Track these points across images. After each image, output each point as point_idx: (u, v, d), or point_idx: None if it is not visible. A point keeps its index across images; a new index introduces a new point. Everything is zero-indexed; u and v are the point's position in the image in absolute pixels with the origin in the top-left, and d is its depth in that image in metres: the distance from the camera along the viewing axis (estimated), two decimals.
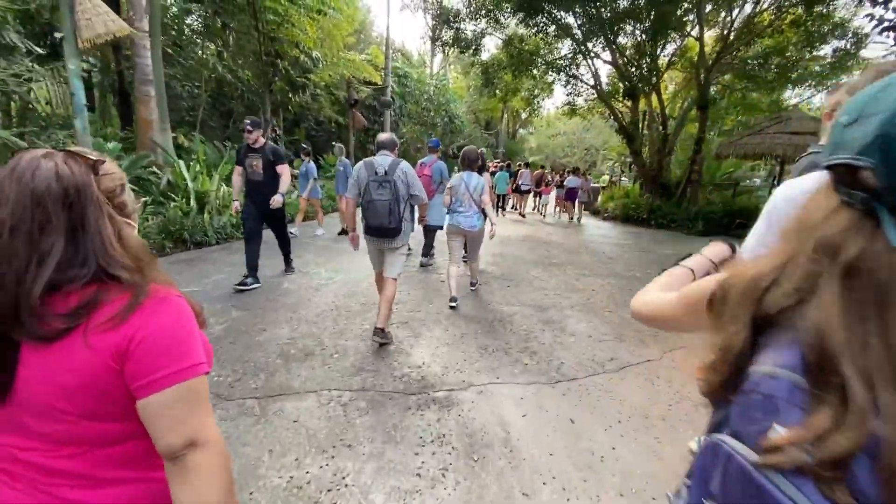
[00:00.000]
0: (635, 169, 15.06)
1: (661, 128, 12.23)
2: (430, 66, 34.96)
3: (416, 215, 4.03)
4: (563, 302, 4.77)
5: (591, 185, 19.05)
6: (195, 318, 0.79)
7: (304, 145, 8.72)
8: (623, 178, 17.25)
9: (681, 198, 12.21)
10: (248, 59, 13.99)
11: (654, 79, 12.21)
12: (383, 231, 3.29)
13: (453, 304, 4.41)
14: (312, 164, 7.81)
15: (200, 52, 13.77)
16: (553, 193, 15.06)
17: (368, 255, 3.65)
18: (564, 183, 13.19)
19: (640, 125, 12.73)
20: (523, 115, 49.95)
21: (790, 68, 11.79)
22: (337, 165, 7.91)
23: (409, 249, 6.48)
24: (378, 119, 19.32)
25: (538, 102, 44.87)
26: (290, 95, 14.15)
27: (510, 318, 4.24)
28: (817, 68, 11.94)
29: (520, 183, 13.47)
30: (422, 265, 6.15)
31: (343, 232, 6.41)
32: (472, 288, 5.10)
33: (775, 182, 10.83)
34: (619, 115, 13.09)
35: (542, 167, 18.42)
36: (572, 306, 4.64)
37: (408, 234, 3.54)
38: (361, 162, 3.36)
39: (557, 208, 14.02)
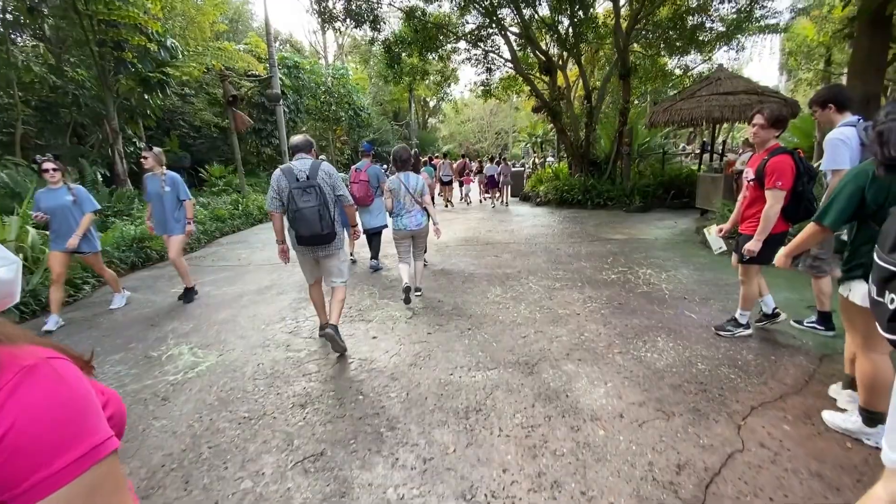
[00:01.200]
0: (562, 148, 14.34)
1: (585, 101, 11.45)
2: (325, 56, 32.15)
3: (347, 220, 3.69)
4: (551, 347, 3.36)
5: (514, 169, 18.35)
6: (82, 377, 0.58)
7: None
8: (549, 159, 16.62)
9: (612, 173, 11.60)
10: (77, 53, 10.80)
11: (573, 50, 11.33)
12: (318, 239, 3.14)
13: (408, 295, 4.33)
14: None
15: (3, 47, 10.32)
16: (474, 183, 15.54)
17: (301, 268, 3.47)
18: (483, 171, 13.61)
19: (562, 101, 11.84)
20: (431, 104, 48.87)
21: (694, 31, 11.61)
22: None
23: (351, 256, 6.49)
24: (270, 118, 16.70)
25: (446, 87, 44.10)
26: (146, 97, 11.22)
27: (487, 406, 2.71)
28: (721, 28, 11.81)
29: (441, 175, 13.43)
30: (373, 269, 6.00)
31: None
32: (418, 294, 4.69)
33: (708, 147, 10.48)
34: (540, 92, 12.10)
35: (463, 156, 17.37)
36: (568, 354, 3.24)
37: (343, 238, 3.46)
38: (279, 169, 3.16)
39: (483, 196, 13.85)
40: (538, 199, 12.61)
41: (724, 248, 3.72)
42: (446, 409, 2.59)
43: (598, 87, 12.15)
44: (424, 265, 5.41)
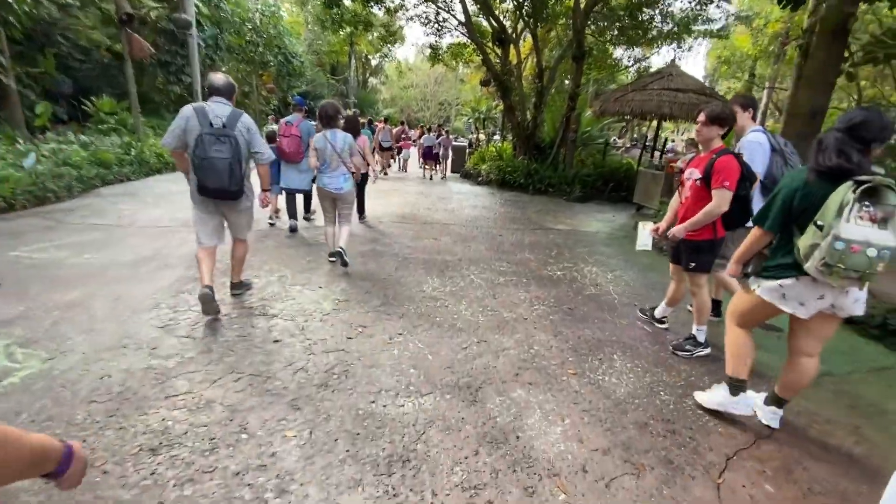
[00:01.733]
0: (508, 127, 13.86)
1: (536, 80, 10.93)
2: None
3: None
4: (497, 364, 2.81)
5: (455, 143, 17.67)
6: None
7: None
8: (496, 137, 16.06)
9: (555, 159, 11.36)
10: None
11: (530, 21, 10.69)
12: (225, 194, 2.94)
13: (333, 259, 4.40)
14: None
15: None
16: (413, 149, 14.97)
17: (195, 223, 3.13)
18: (421, 141, 13.05)
19: (512, 77, 11.23)
20: (374, 62, 46.02)
21: (646, 24, 11.55)
22: None
23: (270, 220, 6.12)
24: (181, 50, 14.23)
25: (390, 45, 41.63)
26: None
27: (418, 454, 2.09)
28: (669, 26, 11.90)
29: (381, 140, 12.61)
30: (291, 230, 5.72)
31: None
32: (342, 261, 4.30)
33: (645, 143, 10.55)
34: (492, 63, 11.37)
35: (402, 123, 16.34)
36: (517, 374, 2.71)
37: (252, 193, 3.24)
38: (190, 107, 2.86)
39: (422, 167, 13.40)
40: (480, 178, 12.08)
41: (650, 247, 3.54)
42: (362, 460, 1.92)
43: (550, 68, 11.71)
44: (363, 222, 6.11)
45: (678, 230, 2.92)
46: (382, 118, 17.10)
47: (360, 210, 6.73)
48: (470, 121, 42.86)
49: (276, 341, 2.89)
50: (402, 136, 14.43)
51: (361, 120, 14.16)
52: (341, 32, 13.19)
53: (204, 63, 16.31)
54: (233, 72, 19.24)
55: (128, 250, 4.54)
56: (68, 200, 6.86)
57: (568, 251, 5.70)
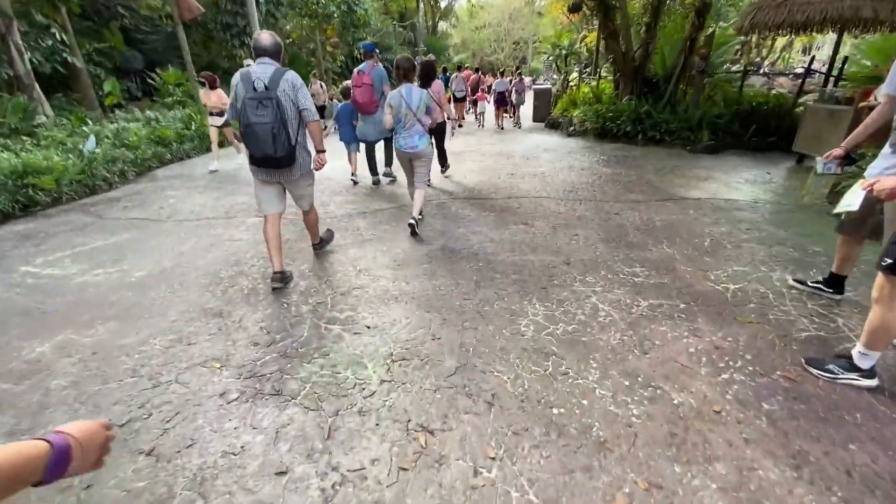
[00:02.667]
0: (603, 62, 11.29)
1: None
2: None
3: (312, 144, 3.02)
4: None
5: (537, 86, 15.24)
6: None
7: None
8: (585, 75, 13.44)
9: (672, 97, 8.85)
10: None
11: None
12: (271, 162, 2.76)
13: (413, 223, 3.95)
14: None
15: None
16: (489, 101, 13.26)
17: (255, 192, 3.04)
18: (492, 87, 11.85)
19: None
20: (443, 4, 42.75)
21: None
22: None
23: (353, 176, 6.07)
24: (241, 10, 13.39)
25: None
26: None
27: None
28: None
29: (454, 90, 11.55)
30: (375, 184, 5.85)
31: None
32: (414, 221, 3.95)
33: (829, 70, 7.67)
34: None
35: (478, 69, 14.42)
36: None
37: (308, 162, 3.04)
38: (238, 73, 2.71)
39: (495, 116, 12.08)
40: (572, 128, 9.95)
41: (856, 206, 2.00)
42: None
43: None
44: (445, 173, 6.15)
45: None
46: (455, 65, 15.20)
47: (443, 161, 6.40)
48: (550, 59, 38.54)
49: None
50: (479, 86, 12.77)
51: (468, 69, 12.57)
52: None
53: (266, 21, 15.46)
54: (297, 29, 18.30)
55: (148, 258, 3.68)
56: (120, 187, 6.36)
57: (728, 241, 3.84)
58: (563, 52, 36.55)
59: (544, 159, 7.62)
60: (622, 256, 3.52)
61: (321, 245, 3.64)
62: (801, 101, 7.78)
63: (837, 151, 2.51)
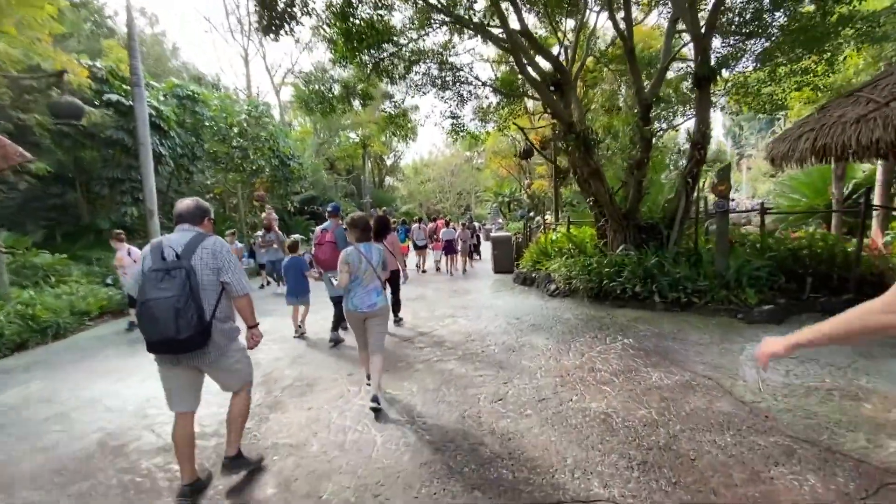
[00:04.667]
0: (568, 205, 9.62)
1: (638, 122, 6.75)
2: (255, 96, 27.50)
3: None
4: None
5: (495, 233, 13.68)
6: None
7: None
8: (546, 217, 12.10)
9: (677, 243, 6.79)
10: None
11: (623, 34, 6.84)
12: (174, 346, 2.19)
13: (375, 405, 3.31)
14: None
15: None
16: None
17: (164, 386, 2.40)
18: (440, 236, 11.73)
19: (589, 128, 7.12)
20: (389, 161, 45.16)
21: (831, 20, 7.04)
22: None
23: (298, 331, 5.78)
24: (134, 161, 11.08)
25: (404, 143, 40.31)
26: None
27: None
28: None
29: (415, 239, 12.23)
30: (332, 342, 5.26)
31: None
32: (374, 405, 3.33)
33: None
34: (562, 112, 7.32)
35: (442, 217, 15.12)
36: None
37: (230, 339, 2.46)
38: (149, 244, 2.39)
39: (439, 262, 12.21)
40: (554, 288, 7.49)
41: None
42: None
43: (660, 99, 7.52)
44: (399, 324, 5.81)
45: None
46: (400, 214, 14.77)
47: (396, 310, 6.18)
48: (494, 205, 39.93)
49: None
50: (435, 234, 12.68)
51: (393, 220, 11.39)
52: (334, 110, 9.74)
53: (178, 175, 13.33)
54: (220, 184, 16.43)
55: None
56: None
57: None
58: (506, 199, 37.94)
59: (527, 342, 4.79)
60: None
61: (238, 464, 2.58)
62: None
63: None
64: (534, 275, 8.57)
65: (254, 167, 15.74)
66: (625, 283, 6.37)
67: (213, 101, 15.16)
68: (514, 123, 11.27)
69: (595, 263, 6.97)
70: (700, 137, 6.34)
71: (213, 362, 2.40)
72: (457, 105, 9.98)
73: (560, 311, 6.44)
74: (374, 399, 3.34)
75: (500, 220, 25.02)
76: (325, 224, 5.30)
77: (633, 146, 6.86)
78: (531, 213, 30.91)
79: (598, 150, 6.97)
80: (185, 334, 2.14)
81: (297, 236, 6.00)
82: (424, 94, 9.51)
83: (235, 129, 15.39)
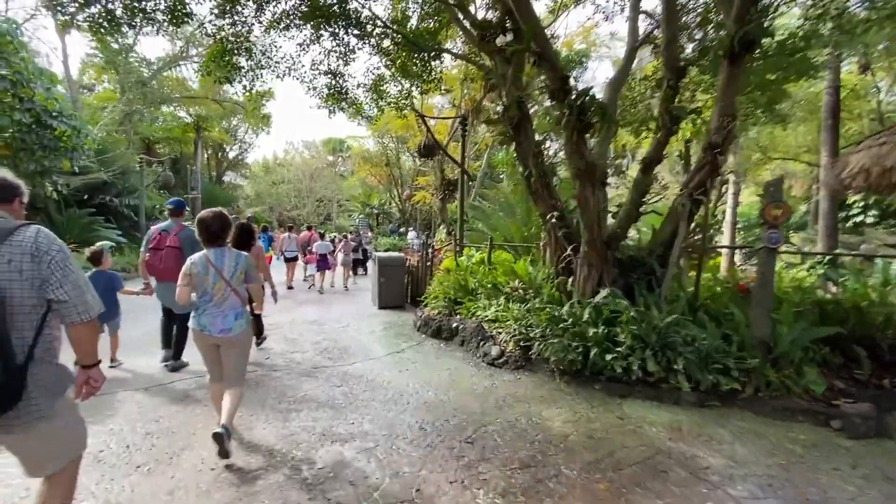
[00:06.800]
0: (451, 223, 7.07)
1: (668, 90, 4.30)
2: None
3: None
4: None
5: (382, 253, 10.56)
6: None
7: None
8: (411, 236, 9.76)
9: (678, 284, 4.66)
10: None
11: None
12: None
13: (222, 446, 2.48)
14: None
15: None
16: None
17: None
18: (314, 248, 10.45)
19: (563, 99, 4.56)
20: (231, 154, 37.72)
21: None
22: None
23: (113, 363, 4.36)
24: None
25: (255, 130, 33.98)
26: None
27: None
28: None
29: (285, 250, 10.49)
30: (169, 368, 4.26)
31: None
32: (221, 449, 2.51)
33: None
34: (511, 82, 4.59)
35: (310, 227, 13.22)
36: None
37: (54, 393, 1.58)
38: None
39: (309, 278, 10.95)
40: (499, 353, 4.62)
41: None
42: None
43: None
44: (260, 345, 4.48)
45: None
46: (288, 226, 11.47)
47: (258, 332, 5.12)
48: (361, 216, 36.13)
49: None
50: (308, 246, 11.00)
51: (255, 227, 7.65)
52: None
53: None
54: None
55: None
56: None
57: None
58: (374, 211, 34.56)
59: None
60: None
61: None
62: None
63: None
64: (453, 323, 5.61)
65: None
66: (627, 355, 3.87)
67: None
68: (414, 111, 8.30)
69: (568, 316, 4.36)
70: (722, 136, 4.30)
71: (24, 428, 1.51)
72: (339, 58, 6.58)
73: (530, 405, 3.60)
74: (222, 435, 2.49)
75: (370, 234, 21.67)
76: (164, 224, 4.37)
77: (654, 129, 4.52)
78: (402, 229, 28.26)
79: (600, 132, 4.44)
80: None
81: (104, 243, 4.52)
82: (286, 28, 5.88)
83: None
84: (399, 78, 6.67)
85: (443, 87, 7.89)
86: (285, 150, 48.62)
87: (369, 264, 12.19)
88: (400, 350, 5.24)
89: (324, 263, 10.08)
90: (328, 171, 43.74)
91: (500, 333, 4.87)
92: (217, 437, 2.47)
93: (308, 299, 9.04)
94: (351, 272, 11.08)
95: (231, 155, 37.68)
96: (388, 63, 6.40)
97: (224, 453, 2.50)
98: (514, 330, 4.63)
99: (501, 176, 12.66)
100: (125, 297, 4.41)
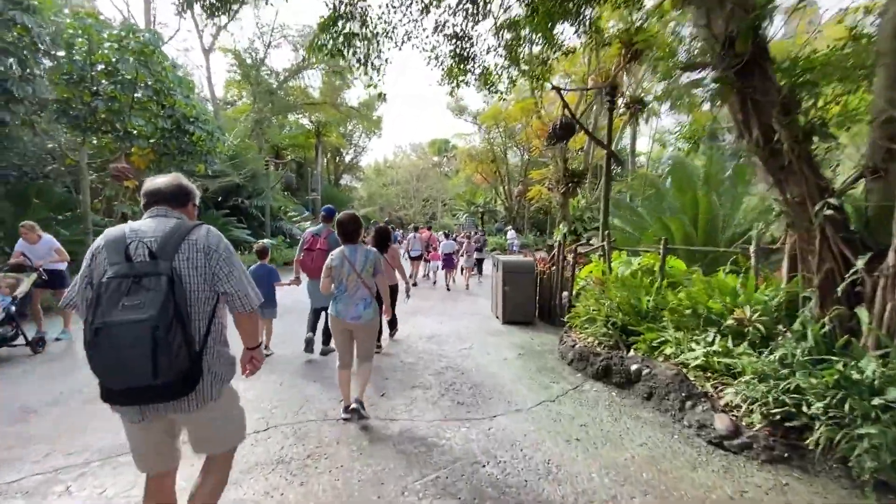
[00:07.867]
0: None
1: None
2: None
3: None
4: None
5: (507, 257, 9.10)
6: None
7: None
8: (510, 234, 8.55)
9: None
10: None
11: None
12: (147, 395, 1.43)
13: (347, 417, 3.12)
14: None
15: None
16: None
17: (128, 441, 1.59)
18: (438, 249, 11.10)
19: None
20: (347, 158, 39.79)
21: None
22: None
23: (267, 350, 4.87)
24: None
25: (367, 135, 35.19)
26: None
27: None
28: None
29: (410, 249, 10.86)
30: (322, 353, 4.79)
31: None
32: (353, 411, 3.09)
33: None
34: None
35: (429, 227, 13.20)
36: None
37: (221, 379, 1.62)
38: (103, 235, 1.56)
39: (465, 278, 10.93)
40: (734, 432, 2.84)
41: None
42: None
43: None
44: (351, 411, 3.34)
45: None
46: (415, 226, 13.01)
47: (392, 324, 5.56)
48: (466, 216, 35.37)
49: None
50: (429, 244, 11.54)
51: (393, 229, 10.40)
52: None
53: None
54: (70, 148, 10.78)
55: None
56: None
57: None
58: (479, 209, 33.34)
59: None
60: None
61: None
62: None
63: None
64: (631, 364, 3.90)
65: (131, 128, 10.27)
66: None
67: (65, 18, 9.73)
68: (549, 82, 6.70)
69: (882, 383, 2.42)
70: None
71: (197, 411, 1.56)
72: (466, 18, 5.29)
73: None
74: (358, 408, 3.08)
75: (515, 235, 19.37)
76: (316, 228, 4.92)
77: None
78: (508, 227, 26.59)
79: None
80: (165, 377, 1.35)
81: (267, 241, 5.42)
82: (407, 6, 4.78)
83: (100, 67, 9.92)
84: (540, 33, 5.15)
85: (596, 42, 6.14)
86: (394, 153, 50.19)
87: (486, 264, 11.34)
88: (553, 399, 3.72)
89: (449, 262, 10.41)
90: (433, 171, 44.02)
91: (723, 391, 3.08)
92: (353, 412, 3.04)
93: (426, 303, 8.17)
94: (476, 271, 11.27)
95: (347, 159, 39.71)
96: (529, 14, 4.93)
97: (361, 418, 3.05)
98: (761, 393, 2.80)
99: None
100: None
